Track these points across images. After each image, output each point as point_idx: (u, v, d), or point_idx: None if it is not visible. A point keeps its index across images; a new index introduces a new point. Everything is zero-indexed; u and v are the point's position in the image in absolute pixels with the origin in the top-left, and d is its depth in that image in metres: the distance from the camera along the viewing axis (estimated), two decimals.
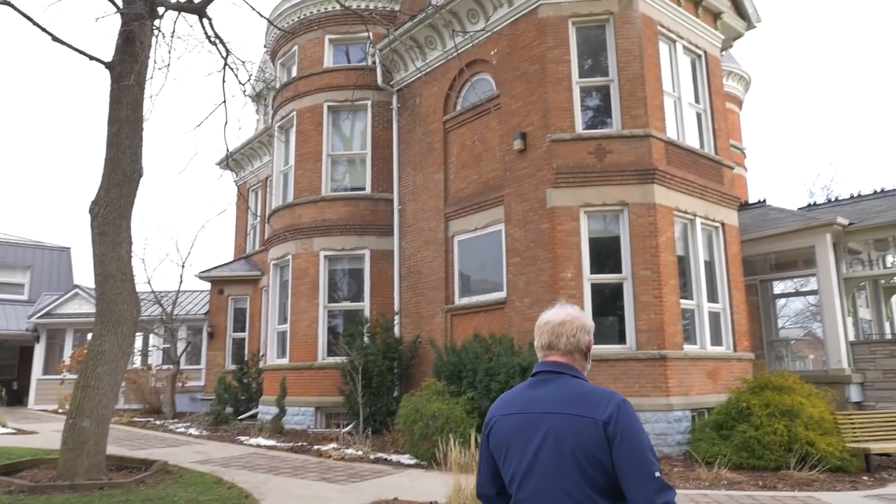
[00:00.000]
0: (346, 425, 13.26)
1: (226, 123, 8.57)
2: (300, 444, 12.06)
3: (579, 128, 11.47)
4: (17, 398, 26.36)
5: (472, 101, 13.20)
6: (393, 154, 15.13)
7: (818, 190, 32.56)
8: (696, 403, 10.59)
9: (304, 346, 14.64)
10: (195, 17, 8.28)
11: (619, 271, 10.95)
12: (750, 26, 14.49)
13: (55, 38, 7.71)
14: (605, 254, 11.19)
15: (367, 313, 14.50)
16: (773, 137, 58.33)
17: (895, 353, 12.40)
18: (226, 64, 8.37)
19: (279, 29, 13.61)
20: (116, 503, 6.95)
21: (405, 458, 10.15)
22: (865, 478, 8.64)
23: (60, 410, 20.88)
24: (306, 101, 15.81)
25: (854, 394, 12.52)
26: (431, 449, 9.44)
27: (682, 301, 11.12)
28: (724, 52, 14.66)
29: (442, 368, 11.26)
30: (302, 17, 16.13)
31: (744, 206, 15.19)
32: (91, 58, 7.91)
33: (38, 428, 15.67)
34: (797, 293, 18.96)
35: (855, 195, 14.92)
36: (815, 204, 16.01)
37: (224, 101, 8.43)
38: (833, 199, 16.24)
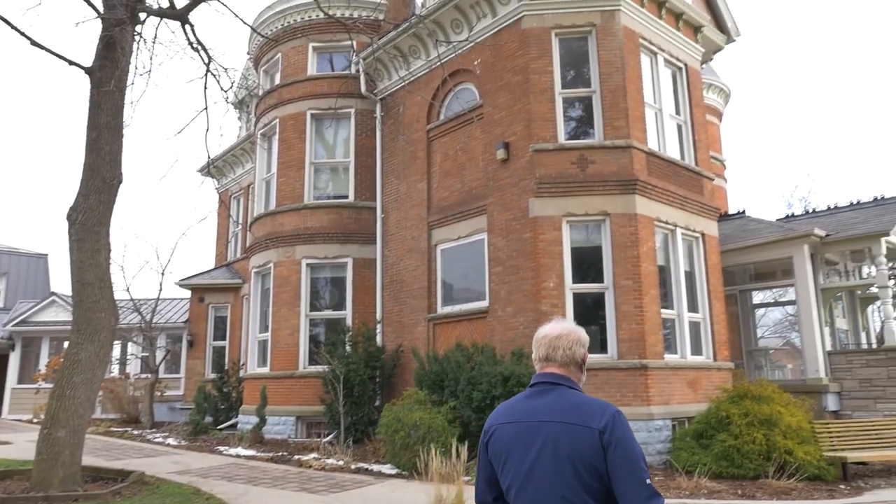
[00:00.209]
0: (328, 435, 13.16)
1: (207, 130, 8.52)
2: (280, 454, 11.94)
3: (562, 138, 11.55)
4: None
5: (455, 111, 13.25)
6: (376, 162, 15.12)
7: (796, 201, 33.11)
8: (676, 412, 10.65)
9: (285, 354, 14.53)
10: (177, 24, 8.24)
11: (601, 281, 11.02)
12: (729, 40, 14.72)
13: (34, 43, 7.63)
14: (588, 263, 11.25)
15: (349, 322, 14.43)
16: (752, 149, 59.15)
17: (871, 362, 12.58)
18: (208, 70, 8.32)
19: (262, 36, 13.58)
20: None
21: (386, 468, 10.09)
22: (842, 486, 8.73)
23: (35, 420, 20.49)
24: (289, 108, 15.77)
25: (831, 403, 12.68)
26: (413, 458, 9.39)
27: (662, 311, 11.20)
28: (704, 65, 14.86)
29: (424, 377, 11.23)
30: (285, 24, 16.12)
31: (724, 217, 15.37)
32: (71, 63, 7.83)
33: (12, 438, 15.37)
34: (776, 303, 19.22)
35: (832, 207, 15.16)
36: (793, 215, 16.25)
37: (206, 108, 8.38)
38: (811, 211, 16.49)
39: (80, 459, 8.26)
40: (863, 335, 15.48)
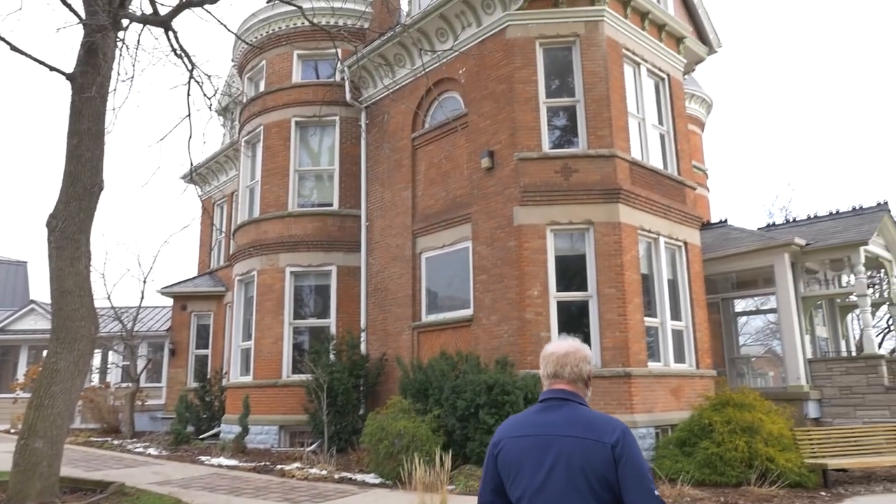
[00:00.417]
0: (311, 444, 13.06)
1: (190, 137, 8.46)
2: (263, 463, 11.83)
3: (546, 147, 11.61)
4: None
5: (440, 120, 13.28)
6: (361, 170, 15.10)
7: (777, 211, 33.52)
8: (659, 420, 10.70)
9: (268, 363, 14.43)
10: (160, 30, 8.19)
11: (585, 289, 11.06)
12: (711, 51, 14.91)
13: (14, 48, 7.54)
14: (572, 272, 11.29)
15: (333, 330, 14.36)
16: (734, 159, 59.85)
17: (851, 370, 12.73)
18: (191, 77, 8.28)
19: (247, 43, 13.54)
20: None
21: (370, 478, 10.03)
22: (823, 493, 8.80)
23: (13, 430, 20.15)
24: (274, 115, 15.72)
25: (812, 410, 12.80)
26: (397, 468, 9.35)
27: (646, 319, 11.27)
28: (686, 76, 15.03)
29: (408, 386, 11.19)
30: (270, 32, 16.09)
31: (706, 226, 15.51)
32: (52, 68, 7.75)
33: None
34: (757, 311, 19.40)
35: (812, 216, 15.36)
36: (774, 224, 16.44)
37: (189, 115, 8.32)
38: (791, 220, 16.71)
39: (59, 470, 8.12)
40: (842, 343, 15.68)
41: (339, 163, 15.36)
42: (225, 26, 8.19)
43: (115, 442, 16.55)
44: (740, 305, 17.58)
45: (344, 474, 10.36)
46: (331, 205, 15.29)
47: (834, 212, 15.07)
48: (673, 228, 12.36)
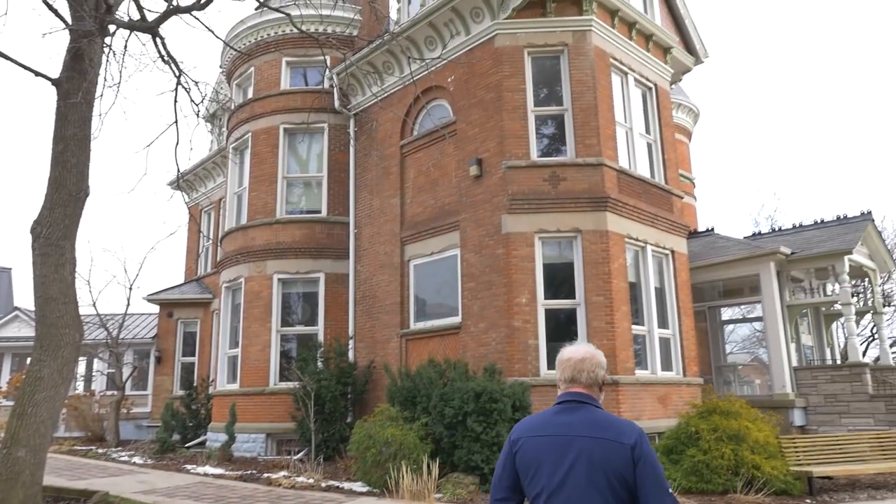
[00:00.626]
0: (298, 452, 12.98)
1: (177, 144, 8.41)
2: (250, 472, 11.74)
3: (534, 155, 11.66)
4: None
5: (428, 127, 13.30)
6: (349, 177, 15.09)
7: (763, 219, 33.76)
8: (647, 428, 10.71)
9: (255, 370, 14.33)
10: (148, 36, 8.16)
11: (573, 297, 11.09)
12: (698, 61, 15.05)
13: None
14: (560, 279, 11.33)
15: (321, 338, 14.30)
16: (720, 168, 60.33)
17: (836, 378, 12.83)
18: (178, 83, 8.24)
19: (235, 50, 13.51)
20: None
21: (357, 486, 9.97)
22: (808, 500, 8.86)
23: None
24: (262, 122, 15.69)
25: (797, 418, 12.89)
26: (384, 476, 9.32)
27: (633, 327, 11.31)
28: (673, 86, 15.16)
29: (396, 394, 11.15)
30: (259, 38, 16.08)
31: (693, 235, 15.62)
32: (37, 74, 7.69)
33: None
34: (744, 319, 19.52)
35: (797, 225, 15.51)
36: (759, 233, 16.59)
37: (176, 122, 8.28)
38: (777, 229, 16.85)
39: (42, 480, 8.01)
40: (827, 351, 15.80)
41: (327, 170, 15.34)
42: (213, 32, 8.17)
43: (100, 450, 16.36)
44: (727, 313, 17.70)
45: (331, 482, 10.30)
46: (319, 212, 15.26)
47: (819, 221, 15.23)
48: (660, 237, 12.43)
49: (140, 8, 8.06)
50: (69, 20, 7.73)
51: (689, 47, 14.87)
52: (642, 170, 12.65)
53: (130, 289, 20.00)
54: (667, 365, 11.99)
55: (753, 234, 16.52)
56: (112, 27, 8.01)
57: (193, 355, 20.73)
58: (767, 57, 75.41)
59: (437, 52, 13.02)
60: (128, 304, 19.83)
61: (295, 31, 13.54)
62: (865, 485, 10.02)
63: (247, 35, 16.20)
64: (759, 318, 15.83)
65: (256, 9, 15.10)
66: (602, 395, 2.56)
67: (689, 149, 22.43)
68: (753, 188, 59.35)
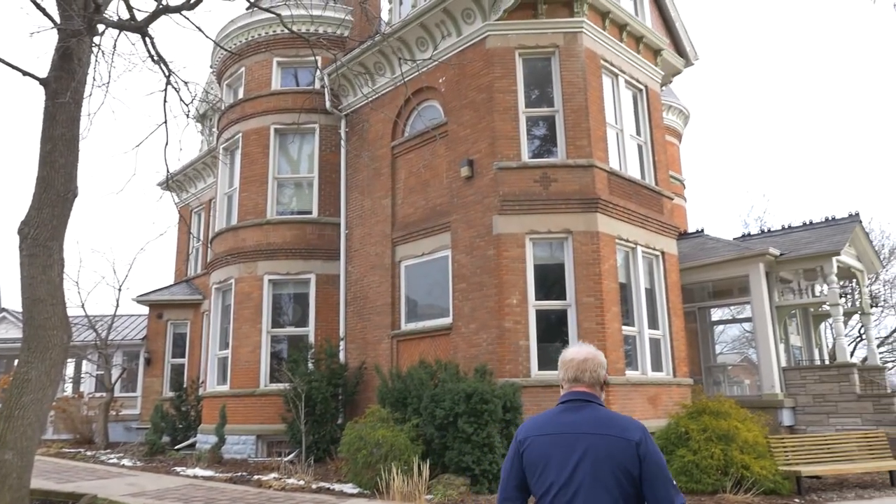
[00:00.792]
0: (289, 454, 12.94)
1: (166, 144, 8.36)
2: (240, 473, 11.69)
3: (525, 156, 11.68)
4: None
5: (420, 128, 13.30)
6: (340, 178, 15.06)
7: (752, 221, 33.90)
8: None
9: (245, 372, 14.28)
10: (137, 36, 8.11)
11: (564, 298, 11.12)
12: (688, 63, 15.12)
13: None
14: (551, 280, 11.35)
15: (311, 339, 14.26)
16: (710, 170, 60.65)
17: (824, 378, 12.92)
18: (168, 83, 8.20)
19: (226, 50, 13.46)
20: None
21: (348, 487, 9.95)
22: (797, 500, 8.91)
23: None
24: (253, 122, 15.63)
25: (786, 418, 12.96)
26: (375, 477, 9.30)
27: (623, 327, 11.35)
28: (663, 87, 15.23)
29: (387, 395, 11.14)
30: (249, 38, 16.02)
31: (683, 236, 15.69)
32: (25, 73, 7.63)
33: None
34: (733, 320, 19.64)
35: (786, 227, 15.61)
36: (749, 234, 16.68)
37: (165, 122, 8.23)
38: (766, 230, 16.96)
39: (29, 483, 7.94)
40: (816, 351, 15.91)
41: (318, 170, 15.31)
42: (203, 32, 8.13)
43: (89, 453, 16.24)
44: (717, 314, 17.80)
45: (322, 484, 10.27)
46: (310, 213, 15.22)
47: (807, 222, 15.33)
48: (650, 238, 12.48)
49: (129, 7, 8.01)
50: (58, 19, 7.67)
51: (679, 49, 14.94)
52: (633, 171, 12.70)
53: (119, 290, 19.89)
54: (657, 365, 12.04)
55: (743, 236, 16.61)
56: (101, 27, 7.96)
57: (183, 357, 20.63)
58: (756, 59, 75.90)
59: (428, 53, 13.02)
60: (117, 306, 19.71)
61: (286, 31, 13.51)
62: (853, 484, 10.09)
63: (237, 35, 16.14)
64: (748, 319, 15.93)
65: (247, 9, 15.07)
66: (604, 393, 2.63)
67: (679, 150, 22.53)
68: (743, 189, 59.73)
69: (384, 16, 15.73)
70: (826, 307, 14.47)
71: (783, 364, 13.68)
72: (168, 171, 8.83)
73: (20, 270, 7.79)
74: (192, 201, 22.66)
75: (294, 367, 13.01)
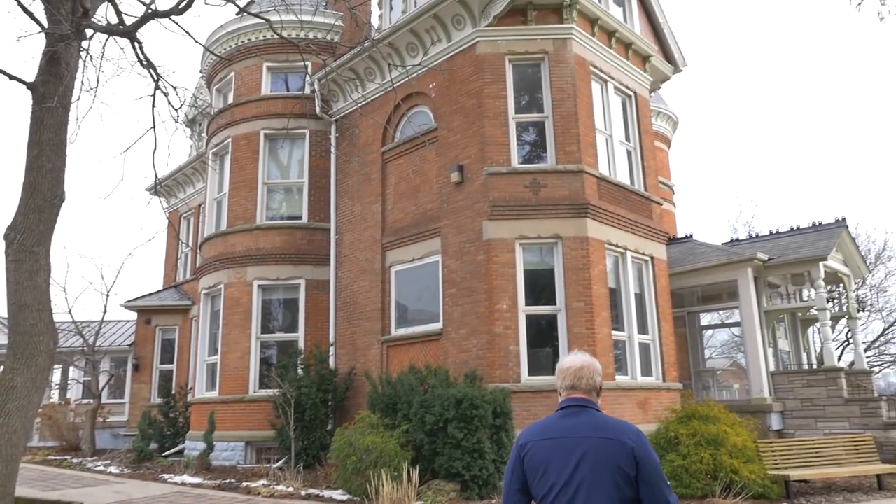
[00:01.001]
0: (278, 460, 12.86)
1: (155, 149, 8.31)
2: (228, 480, 11.61)
3: (515, 162, 11.71)
4: None
5: (410, 134, 13.30)
6: (331, 183, 15.04)
7: (741, 226, 34.07)
8: None
9: (234, 378, 14.19)
10: (126, 40, 8.07)
11: (554, 303, 11.13)
12: (677, 70, 15.23)
13: None
14: (541, 286, 11.36)
15: (301, 344, 14.20)
16: (699, 175, 61.03)
17: (812, 382, 13.00)
18: (157, 88, 8.16)
19: (215, 55, 13.41)
20: None
21: (337, 494, 9.90)
22: None
23: None
24: (242, 127, 15.59)
25: (775, 422, 13.03)
26: (364, 484, 9.26)
27: (613, 332, 11.37)
28: (652, 94, 15.32)
29: (377, 401, 11.10)
30: (239, 44, 15.99)
31: (672, 241, 15.76)
32: (11, 77, 7.57)
33: None
34: (722, 325, 19.71)
35: (774, 232, 15.72)
36: (737, 240, 16.77)
37: (154, 127, 8.19)
38: (754, 236, 17.06)
39: (14, 491, 7.85)
40: (804, 356, 16.01)
41: (308, 176, 15.28)
42: (192, 37, 8.10)
43: (75, 460, 16.08)
44: (706, 319, 17.85)
45: (311, 491, 10.22)
46: (300, 218, 15.18)
47: (795, 228, 15.45)
48: (640, 243, 12.53)
49: (118, 12, 7.97)
50: (45, 23, 7.62)
51: (667, 56, 15.04)
52: (622, 177, 12.76)
53: (107, 295, 19.71)
54: (647, 370, 12.07)
55: (731, 241, 16.72)
56: (89, 31, 7.91)
57: (172, 363, 20.48)
58: (745, 66, 76.56)
59: (418, 58, 13.04)
60: (104, 311, 19.54)
61: (276, 36, 13.50)
62: (841, 488, 10.15)
63: (227, 40, 16.11)
64: (737, 324, 16.01)
65: (237, 14, 15.04)
66: (600, 399, 2.73)
67: (668, 156, 22.66)
68: (731, 195, 60.12)
69: (374, 21, 15.76)
70: (813, 312, 14.57)
71: (772, 368, 13.76)
72: (156, 177, 8.78)
73: (6, 276, 7.72)
74: (180, 206, 22.55)
75: (283, 373, 12.95)
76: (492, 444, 9.54)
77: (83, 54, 8.11)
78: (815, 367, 15.84)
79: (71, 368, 21.92)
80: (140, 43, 7.86)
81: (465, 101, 12.20)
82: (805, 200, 53.41)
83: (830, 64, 72.59)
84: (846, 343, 24.92)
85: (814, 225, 15.06)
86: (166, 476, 12.64)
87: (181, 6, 7.68)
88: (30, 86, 7.65)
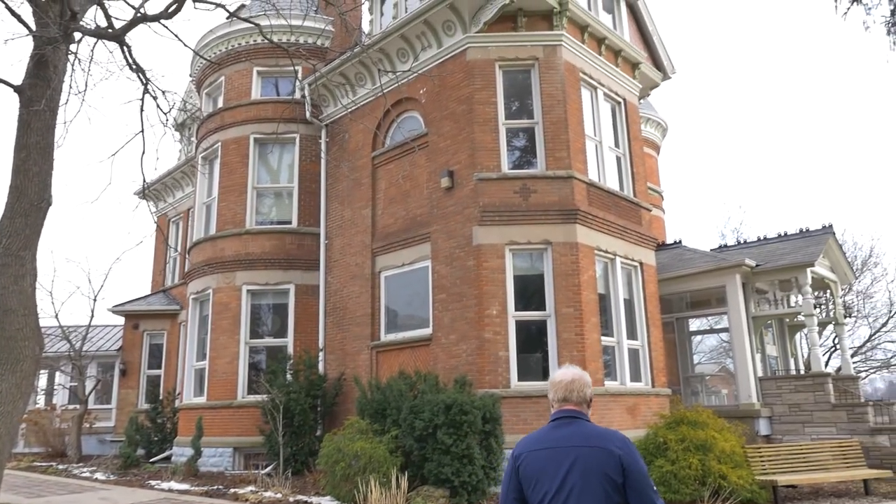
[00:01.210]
0: (266, 466, 12.78)
1: (143, 153, 8.27)
2: (216, 487, 11.53)
3: (505, 167, 11.74)
4: None
5: (400, 139, 13.30)
6: (321, 188, 15.01)
7: (729, 232, 34.30)
8: None
9: (223, 383, 14.11)
10: (115, 44, 8.03)
11: (543, 309, 11.15)
12: (665, 77, 15.33)
13: None
14: (530, 291, 11.38)
15: (290, 350, 14.14)
16: (688, 181, 61.43)
17: (799, 388, 13.08)
18: (146, 92, 8.13)
19: (205, 59, 13.38)
20: None
21: (326, 500, 9.85)
22: None
23: None
24: (232, 132, 15.54)
25: (763, 427, 13.09)
26: (353, 490, 9.22)
27: (603, 338, 11.40)
28: (642, 100, 15.41)
29: (366, 406, 11.06)
30: (229, 48, 15.96)
31: (661, 247, 15.83)
32: None
33: None
34: (711, 330, 19.79)
35: (761, 238, 15.82)
36: (725, 246, 16.89)
37: (142, 131, 8.15)
38: (742, 242, 17.17)
39: None
40: (791, 361, 16.10)
41: (298, 180, 15.25)
42: (181, 41, 8.08)
43: (61, 466, 15.92)
44: (694, 324, 17.93)
45: (299, 497, 10.16)
46: (290, 222, 15.14)
47: (782, 234, 15.56)
48: (629, 249, 12.58)
49: (108, 16, 7.94)
50: (33, 26, 7.58)
51: (657, 63, 15.15)
52: (612, 183, 12.81)
53: (95, 300, 19.61)
54: (636, 376, 12.10)
55: (720, 247, 16.82)
56: (78, 34, 7.87)
57: (159, 368, 20.34)
58: (734, 74, 77.17)
59: (408, 64, 13.06)
60: (92, 316, 19.43)
61: (266, 41, 13.48)
62: (828, 493, 10.21)
63: (217, 44, 16.07)
64: (725, 329, 16.08)
65: (227, 18, 15.01)
66: (590, 410, 2.89)
67: (657, 162, 22.79)
68: (720, 201, 60.50)
69: (365, 27, 15.77)
70: (801, 318, 14.67)
71: (760, 374, 13.83)
72: (145, 181, 8.73)
73: None
74: (169, 211, 22.44)
75: (272, 379, 12.88)
76: (481, 450, 9.52)
77: (71, 58, 8.06)
78: (802, 372, 15.95)
79: (57, 373, 21.73)
80: (129, 47, 7.83)
81: (455, 106, 12.22)
82: (793, 206, 53.86)
83: (819, 71, 73.41)
84: (833, 349, 25.10)
85: (801, 231, 15.17)
86: (153, 482, 12.54)
87: (170, 10, 7.66)
88: (17, 89, 7.60)
